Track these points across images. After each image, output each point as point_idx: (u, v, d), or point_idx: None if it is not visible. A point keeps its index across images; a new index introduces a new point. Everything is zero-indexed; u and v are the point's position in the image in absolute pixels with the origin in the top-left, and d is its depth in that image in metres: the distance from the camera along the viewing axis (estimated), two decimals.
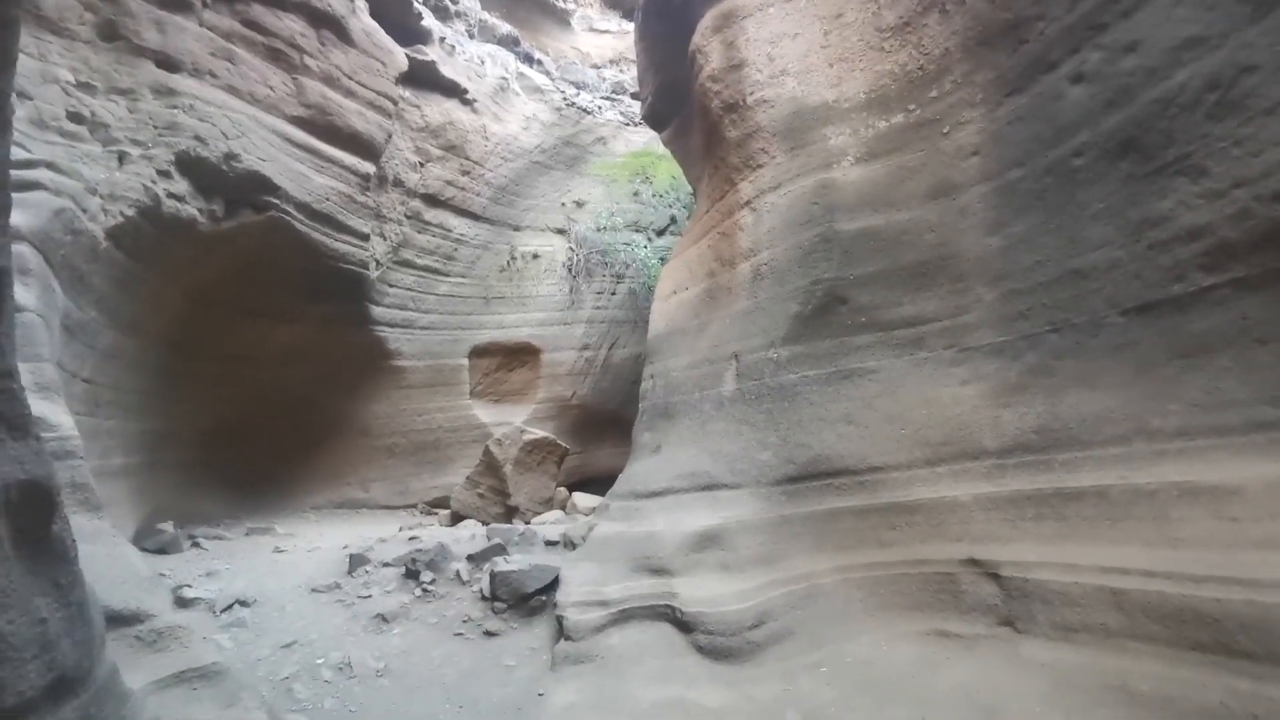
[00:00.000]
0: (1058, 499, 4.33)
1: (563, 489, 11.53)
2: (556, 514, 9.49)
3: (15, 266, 3.94)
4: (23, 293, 3.92)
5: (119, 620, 3.27)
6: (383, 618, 5.92)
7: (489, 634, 5.66)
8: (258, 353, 10.16)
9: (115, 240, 6.01)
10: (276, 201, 7.90)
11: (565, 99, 15.20)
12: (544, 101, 14.87)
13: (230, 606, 6.19)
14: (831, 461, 5.55)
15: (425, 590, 6.38)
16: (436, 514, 12.70)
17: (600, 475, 14.82)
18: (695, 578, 5.21)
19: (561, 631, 5.11)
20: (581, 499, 11.60)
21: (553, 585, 5.95)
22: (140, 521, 8.31)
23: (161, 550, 8.20)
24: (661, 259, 15.23)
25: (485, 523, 9.79)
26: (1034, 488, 4.49)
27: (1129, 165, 4.31)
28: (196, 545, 8.53)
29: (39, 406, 3.51)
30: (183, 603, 6.26)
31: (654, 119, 10.24)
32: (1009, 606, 4.25)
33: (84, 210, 5.33)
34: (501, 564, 6.26)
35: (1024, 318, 4.94)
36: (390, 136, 10.40)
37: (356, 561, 7.04)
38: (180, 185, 6.75)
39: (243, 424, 10.56)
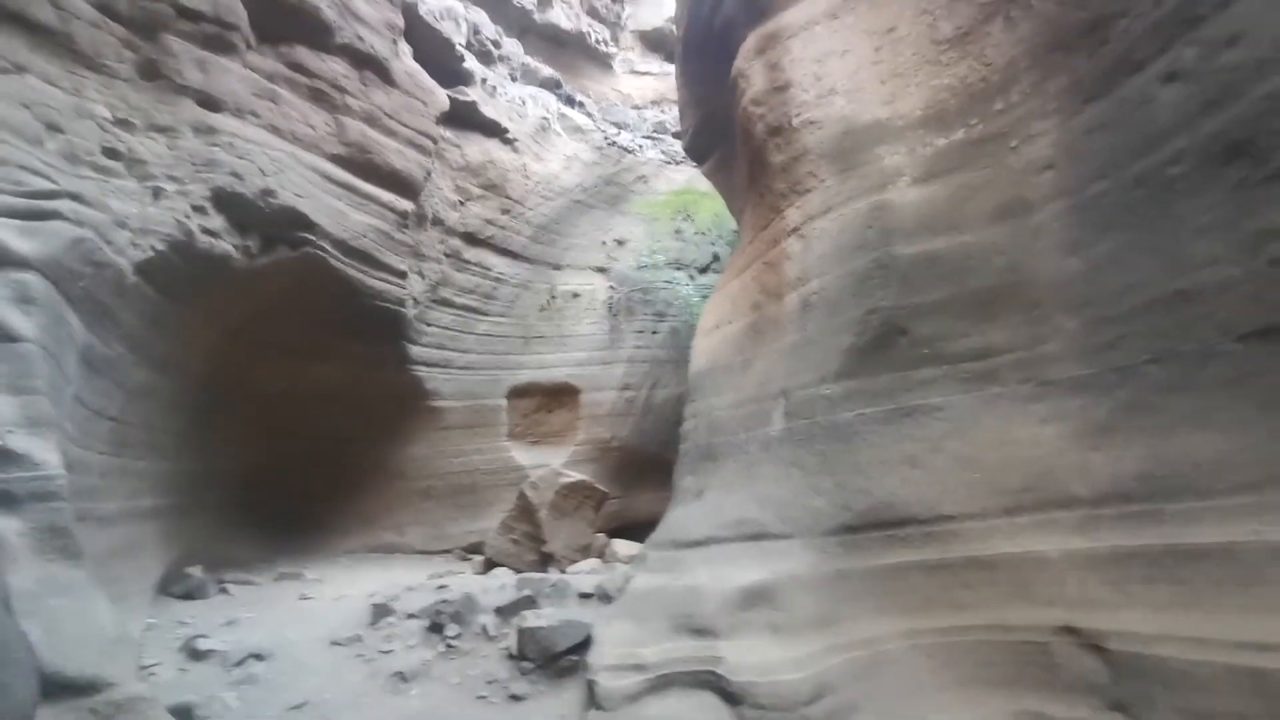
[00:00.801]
0: (1171, 558, 3.68)
1: (601, 535, 11.02)
2: (593, 563, 8.99)
3: (17, 295, 3.78)
4: (22, 321, 3.73)
5: (72, 689, 2.91)
6: (402, 676, 5.48)
7: (514, 698, 5.16)
8: (293, 392, 10.05)
9: (145, 275, 5.90)
10: (312, 238, 7.82)
11: (606, 138, 15.17)
12: (585, 141, 14.85)
13: (244, 660, 5.84)
14: (894, 509, 4.96)
15: (449, 646, 5.93)
16: (471, 560, 12.30)
17: (641, 521, 14.24)
18: (743, 640, 4.65)
19: (593, 699, 4.59)
20: (621, 546, 11.05)
21: (585, 644, 5.45)
22: (169, 565, 8.11)
23: (188, 595, 7.98)
24: (704, 296, 14.88)
25: (519, 570, 9.33)
26: (1140, 543, 3.84)
27: (1238, 171, 3.76)
28: (224, 591, 8.28)
29: (23, 443, 3.27)
30: (196, 655, 5.95)
31: (696, 152, 10.00)
32: (1120, 687, 3.58)
33: (109, 242, 5.22)
34: (530, 619, 5.78)
35: (1113, 348, 4.35)
36: (429, 174, 10.37)
37: (380, 612, 6.66)
38: (215, 221, 6.68)
39: (278, 465, 10.41)
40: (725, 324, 7.79)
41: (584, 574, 8.15)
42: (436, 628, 6.16)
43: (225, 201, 6.76)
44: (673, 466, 15.01)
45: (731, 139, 8.35)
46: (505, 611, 6.22)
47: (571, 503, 9.64)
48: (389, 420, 11.71)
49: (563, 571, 9.24)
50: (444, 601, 6.35)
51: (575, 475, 9.90)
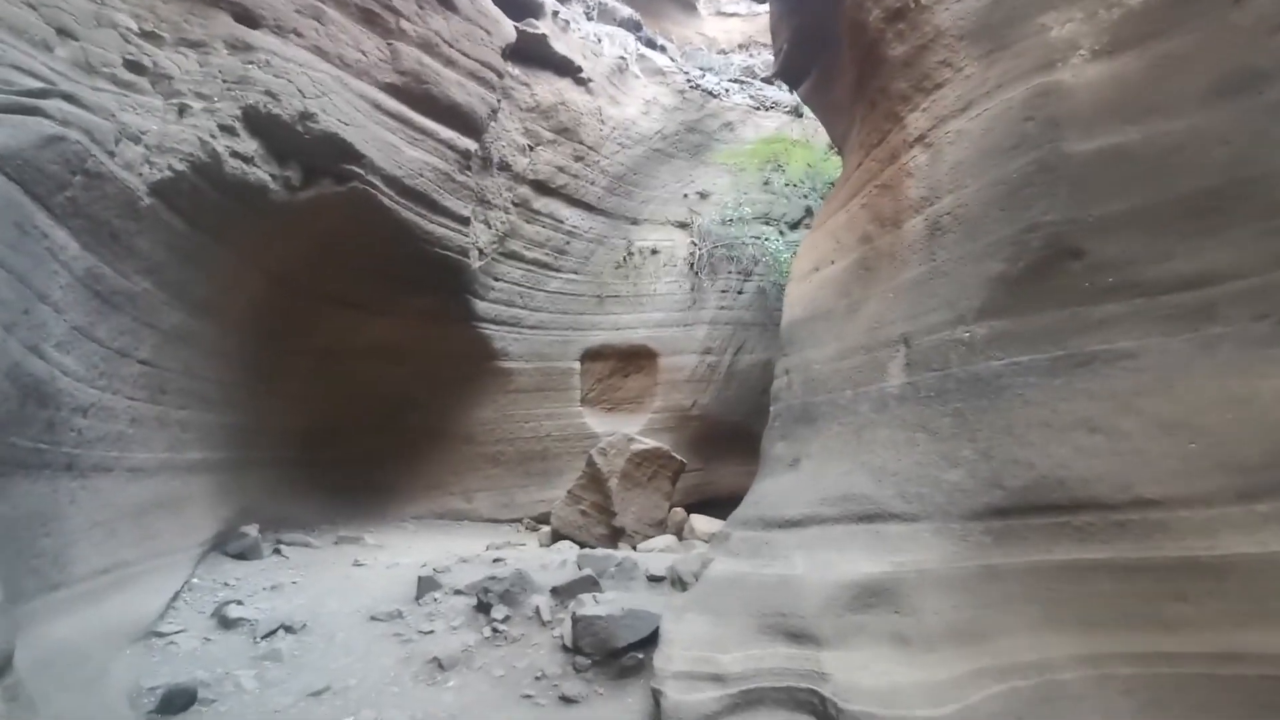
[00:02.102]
0: None
1: (679, 510, 10.06)
2: (668, 540, 8.02)
3: None
4: None
5: None
6: (439, 664, 4.68)
7: (565, 700, 4.25)
8: (351, 347, 9.51)
9: (165, 199, 5.26)
10: (361, 172, 7.08)
11: (689, 81, 13.91)
12: (665, 84, 13.66)
13: (274, 632, 5.20)
14: (1067, 488, 3.69)
15: (495, 630, 5.09)
16: (539, 530, 11.63)
17: (723, 497, 13.19)
18: (855, 652, 3.55)
19: (659, 715, 3.61)
20: (700, 522, 10.06)
21: (651, 639, 4.48)
22: (226, 522, 7.70)
23: (241, 555, 7.55)
24: (795, 253, 13.50)
25: (585, 544, 8.49)
26: None
27: None
28: (278, 552, 7.83)
29: None
30: (225, 623, 5.37)
31: (789, 73, 8.64)
32: None
33: (110, 154, 4.56)
34: (589, 605, 4.85)
35: None
36: (494, 112, 9.51)
37: (426, 586, 5.92)
38: (247, 145, 6.00)
39: (339, 424, 9.96)
40: (825, 264, 6.56)
41: (656, 553, 7.19)
42: (484, 607, 5.35)
43: (258, 123, 6.06)
44: (758, 438, 13.80)
45: (832, 46, 7.03)
46: (562, 593, 5.33)
47: (645, 472, 8.69)
48: (455, 381, 11.08)
49: (633, 548, 8.34)
50: (493, 579, 5.52)
51: (648, 442, 8.93)
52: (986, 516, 3.89)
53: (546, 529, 9.34)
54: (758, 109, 14.90)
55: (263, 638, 5.14)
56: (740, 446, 13.51)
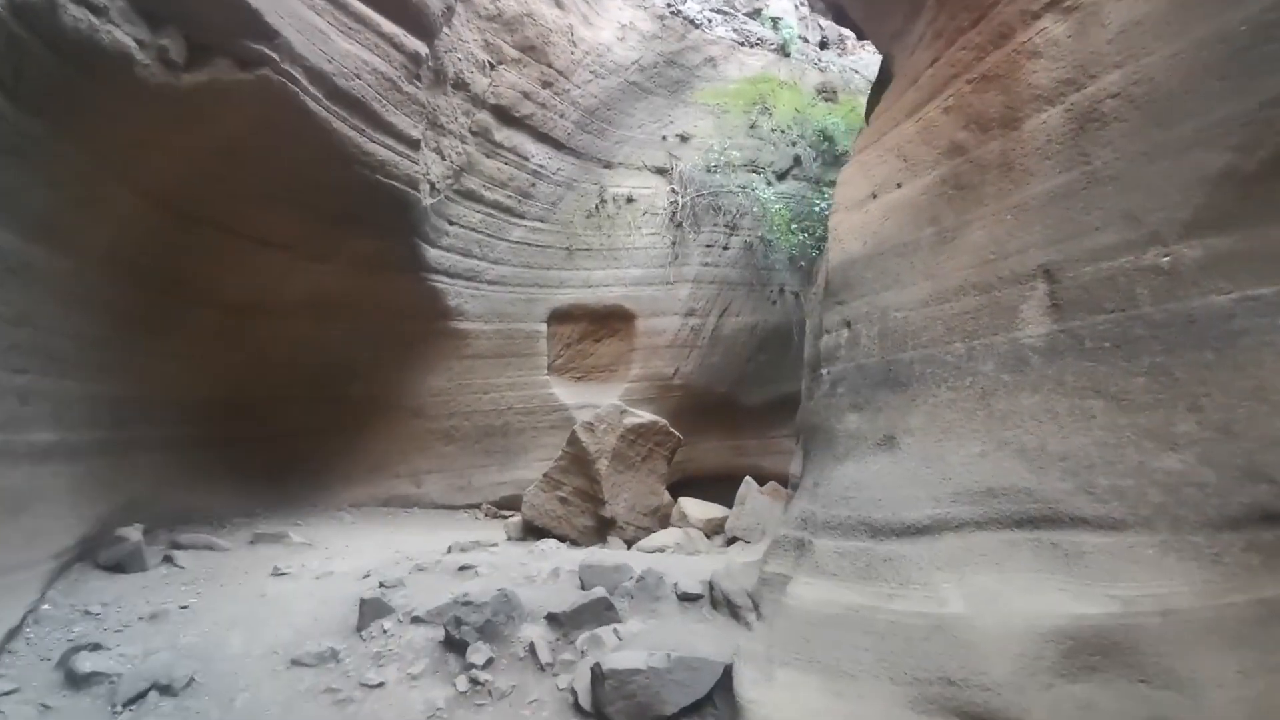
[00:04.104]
0: None
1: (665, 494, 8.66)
2: (673, 535, 6.59)
3: None
4: None
5: None
6: None
7: None
8: (271, 300, 7.65)
9: None
10: (273, 56, 5.25)
11: (669, 5, 12.25)
12: (643, 8, 11.97)
13: (143, 694, 3.55)
14: None
15: (474, 681, 3.58)
16: (504, 518, 10.05)
17: (705, 476, 11.88)
18: None
19: None
20: (692, 508, 8.68)
21: (709, 700, 3.05)
22: (98, 523, 5.90)
23: (117, 567, 5.78)
24: (786, 205, 12.15)
25: (566, 538, 7.00)
26: None
27: None
28: (169, 561, 6.05)
29: None
30: (74, 679, 3.68)
31: None
32: None
33: None
34: (610, 645, 3.39)
35: None
36: (449, 9, 7.71)
37: (371, 611, 4.33)
38: None
39: (257, 394, 8.13)
40: (889, 188, 5.15)
41: (668, 555, 5.76)
42: (455, 645, 3.82)
43: None
44: (744, 410, 12.31)
45: None
46: (565, 623, 3.84)
47: (639, 451, 7.22)
48: (401, 344, 9.34)
49: (627, 543, 6.89)
50: (467, 601, 3.97)
51: (644, 415, 7.45)
52: (1248, 525, 2.57)
53: (515, 519, 7.80)
54: (742, 44, 13.37)
55: (125, 704, 3.48)
56: (725, 420, 12.21)
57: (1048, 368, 3.37)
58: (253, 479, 8.25)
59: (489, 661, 3.67)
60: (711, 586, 4.08)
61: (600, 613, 3.86)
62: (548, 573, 4.86)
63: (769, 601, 3.48)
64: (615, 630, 3.60)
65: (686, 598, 4.13)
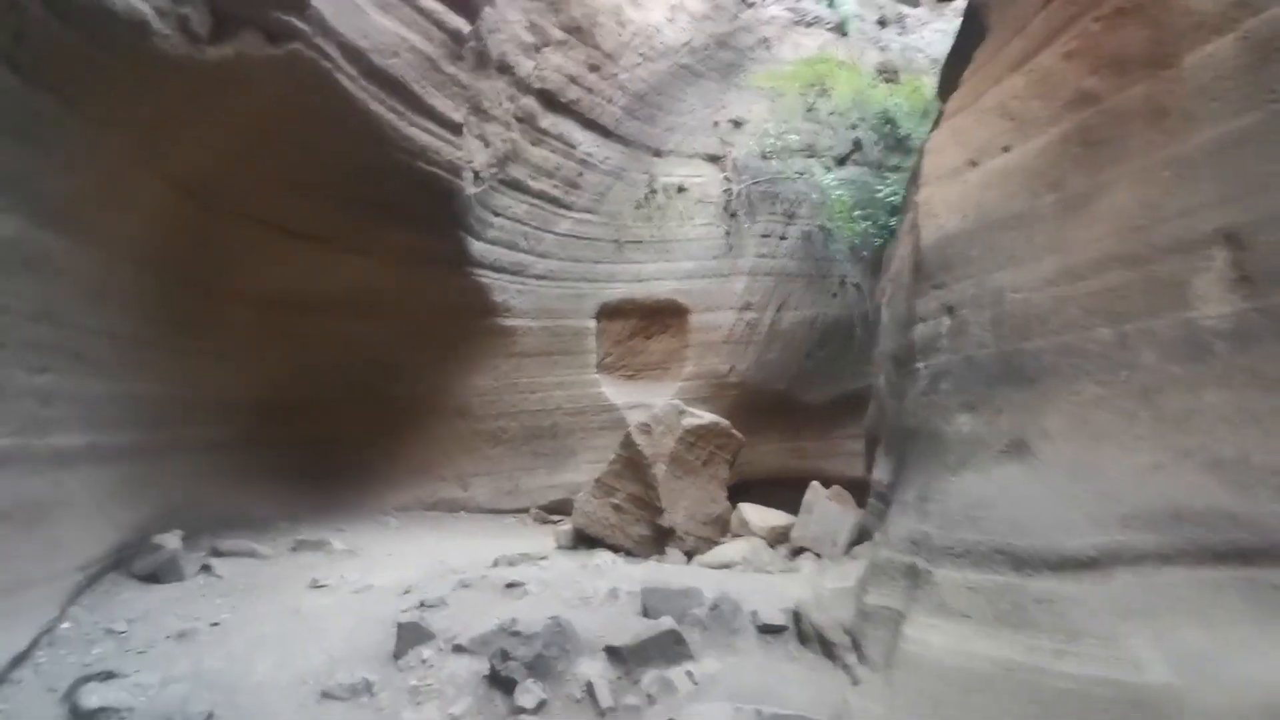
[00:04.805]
0: None
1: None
2: (740, 548, 5.99)
3: None
4: None
5: None
6: None
7: None
8: (312, 295, 7.33)
9: None
10: (305, 29, 4.87)
11: None
12: None
13: None
14: None
15: None
16: (553, 523, 9.60)
17: (761, 479, 11.21)
18: None
19: None
20: (753, 514, 8.06)
21: None
22: (134, 530, 5.64)
23: (152, 577, 5.48)
24: (849, 192, 11.38)
25: (621, 548, 6.47)
26: None
27: None
28: (208, 570, 5.73)
29: None
30: (79, 716, 3.29)
31: None
32: None
33: None
34: (682, 688, 2.85)
35: None
36: None
37: (409, 636, 3.87)
38: None
39: (300, 395, 7.83)
40: (992, 154, 4.47)
41: (734, 569, 5.16)
42: (502, 682, 3.31)
43: None
44: (804, 409, 11.59)
45: None
46: (627, 659, 3.30)
47: (699, 454, 6.64)
48: (446, 342, 8.96)
49: (686, 555, 6.33)
50: (515, 631, 3.47)
51: (704, 414, 6.86)
52: None
53: (565, 527, 7.31)
54: (797, 23, 12.67)
55: None
56: (783, 419, 11.53)
57: (1239, 356, 2.68)
58: (295, 482, 7.96)
59: (540, 705, 3.14)
60: (798, 617, 3.49)
61: (669, 648, 3.31)
62: (605, 593, 4.33)
63: (875, 641, 2.88)
64: (689, 673, 3.04)
65: (768, 630, 3.54)
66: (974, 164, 4.62)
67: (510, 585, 4.74)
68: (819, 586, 3.75)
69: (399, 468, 9.12)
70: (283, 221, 6.45)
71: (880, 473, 5.64)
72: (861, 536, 7.50)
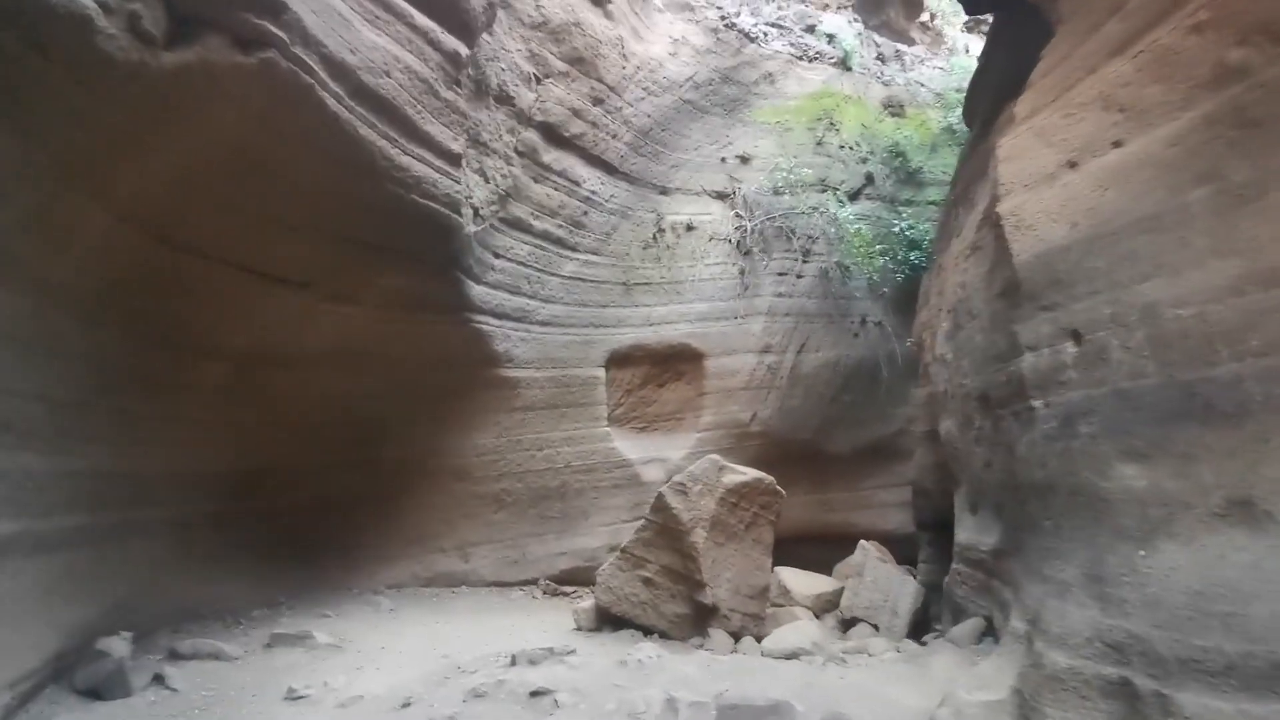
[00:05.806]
0: None
1: None
2: (804, 631, 5.02)
3: None
4: None
5: None
6: None
7: None
8: (290, 349, 6.47)
9: None
10: (281, 35, 4.18)
11: (722, 18, 11.27)
12: (695, 22, 11.03)
13: None
14: None
15: None
16: (564, 594, 8.61)
17: (788, 535, 10.24)
18: None
19: None
20: (793, 581, 7.25)
21: None
22: (77, 633, 4.67)
23: (93, 692, 4.49)
24: (866, 226, 10.82)
25: (654, 630, 5.53)
26: None
27: None
28: (159, 680, 4.74)
29: None
30: None
31: None
32: None
33: None
34: None
35: None
36: (491, 6, 6.69)
37: None
38: None
39: (276, 461, 6.91)
40: (1098, 152, 3.79)
41: (803, 660, 4.23)
42: None
43: None
44: (831, 459, 10.97)
45: None
46: None
47: (742, 517, 5.75)
48: (442, 397, 8.11)
49: (733, 636, 5.38)
50: None
51: (746, 471, 5.99)
52: None
53: (585, 605, 6.35)
54: (800, 59, 12.29)
55: None
56: (809, 471, 10.63)
57: None
58: (272, 562, 6.98)
59: None
60: None
61: None
62: (660, 707, 3.40)
63: None
64: None
65: None
66: (1074, 165, 3.93)
67: (535, 694, 3.80)
68: (954, 697, 2.85)
69: (392, 539, 8.14)
70: (256, 263, 5.63)
71: (971, 534, 4.77)
72: (929, 605, 6.60)
